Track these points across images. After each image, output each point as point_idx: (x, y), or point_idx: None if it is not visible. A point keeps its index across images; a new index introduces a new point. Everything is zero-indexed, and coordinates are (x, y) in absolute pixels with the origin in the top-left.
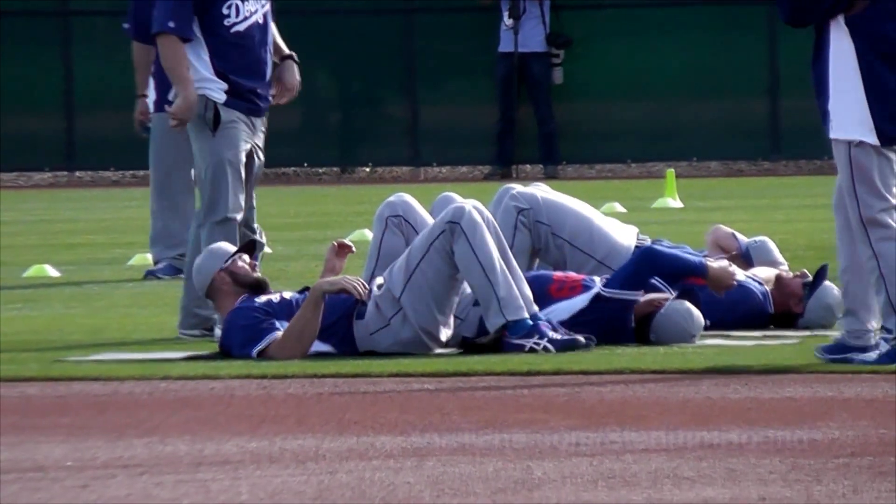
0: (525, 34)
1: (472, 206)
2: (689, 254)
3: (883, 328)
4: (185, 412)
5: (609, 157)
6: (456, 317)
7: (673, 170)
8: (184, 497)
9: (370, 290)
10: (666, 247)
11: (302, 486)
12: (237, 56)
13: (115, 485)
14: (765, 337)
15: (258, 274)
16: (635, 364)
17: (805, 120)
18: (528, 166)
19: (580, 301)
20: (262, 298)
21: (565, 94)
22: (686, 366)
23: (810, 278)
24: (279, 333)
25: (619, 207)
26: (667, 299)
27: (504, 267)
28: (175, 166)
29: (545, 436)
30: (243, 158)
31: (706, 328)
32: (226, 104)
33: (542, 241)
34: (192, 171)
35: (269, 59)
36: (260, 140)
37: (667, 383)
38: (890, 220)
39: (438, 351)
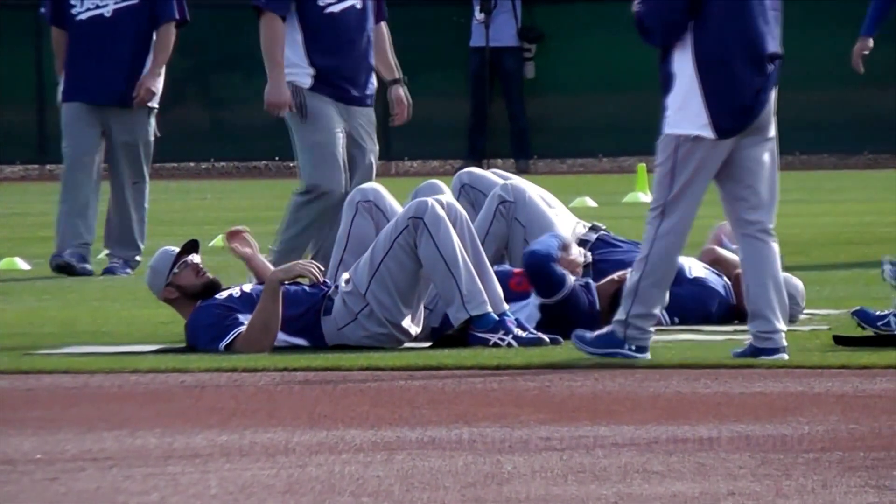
0: (496, 28)
1: (438, 200)
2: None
3: (624, 320)
4: (155, 405)
5: (580, 151)
6: (425, 307)
7: (644, 165)
8: (153, 490)
9: (337, 286)
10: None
11: (272, 480)
12: (329, 40)
13: (84, 478)
14: (734, 332)
15: (207, 276)
16: (606, 359)
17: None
18: (499, 161)
19: (532, 305)
20: (223, 295)
21: (537, 88)
22: (656, 361)
23: None
24: (244, 327)
25: (590, 202)
26: (626, 272)
27: (467, 262)
28: (78, 157)
29: (515, 430)
30: (338, 140)
31: (674, 324)
32: (312, 89)
33: (512, 238)
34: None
35: (369, 48)
36: (364, 131)
37: (637, 378)
38: (687, 215)
39: (409, 345)
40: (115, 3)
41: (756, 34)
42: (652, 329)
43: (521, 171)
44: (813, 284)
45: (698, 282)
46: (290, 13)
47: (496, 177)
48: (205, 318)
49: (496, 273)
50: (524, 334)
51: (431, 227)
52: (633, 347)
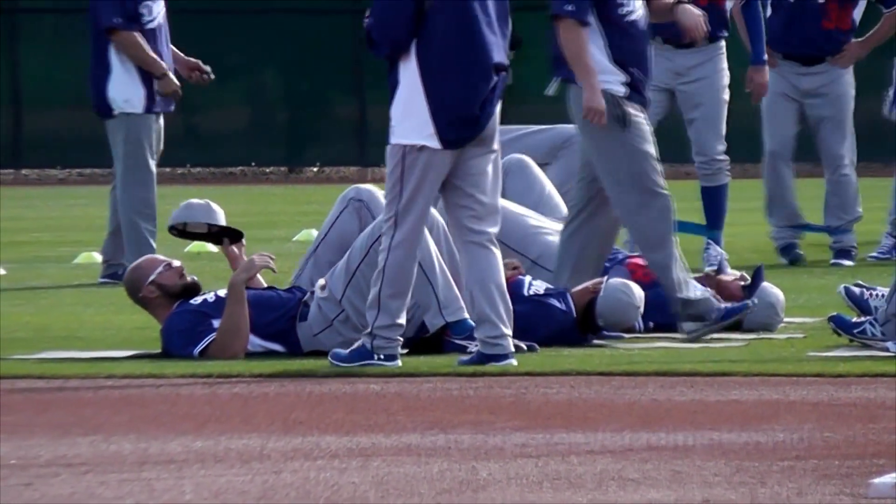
0: None
1: None
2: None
3: (370, 331)
4: (129, 411)
5: None
6: None
7: None
8: (128, 496)
9: (313, 291)
10: None
11: (247, 486)
12: (631, 46)
13: (58, 483)
14: (710, 339)
15: (189, 279)
16: (581, 366)
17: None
18: None
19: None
20: (197, 300)
21: (515, 94)
22: (632, 368)
23: (749, 281)
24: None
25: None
26: (601, 282)
27: (444, 268)
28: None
29: (491, 437)
30: (653, 150)
31: (651, 330)
32: (627, 97)
33: None
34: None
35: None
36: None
37: (613, 385)
38: (419, 226)
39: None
40: (161, 13)
41: (481, 45)
42: (399, 338)
43: None
44: (788, 292)
45: None
46: (592, 21)
47: None
48: (179, 323)
49: None
50: None
51: None
52: (382, 357)
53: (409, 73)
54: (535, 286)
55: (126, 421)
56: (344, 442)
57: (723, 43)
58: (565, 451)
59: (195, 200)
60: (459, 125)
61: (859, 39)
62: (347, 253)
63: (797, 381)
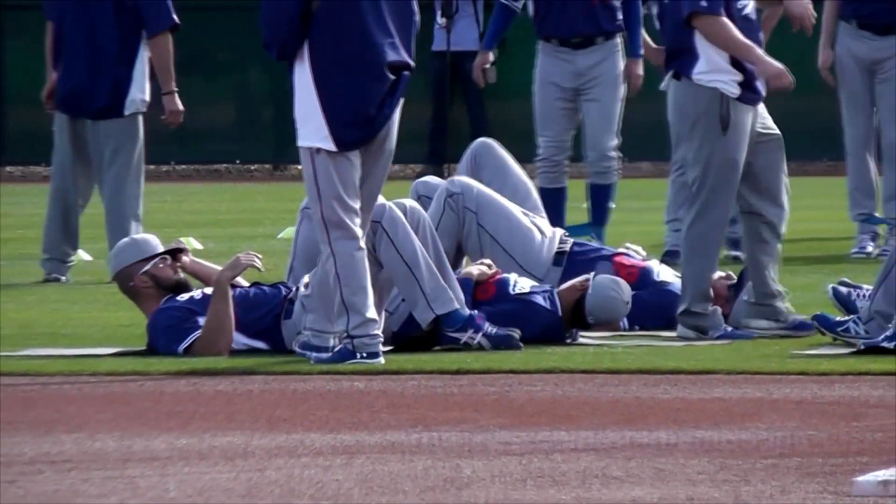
0: (458, 33)
1: (397, 202)
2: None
3: (346, 335)
4: (113, 408)
5: None
6: (385, 310)
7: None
8: (111, 493)
9: (297, 289)
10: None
11: (231, 484)
12: (748, 39)
13: (42, 480)
14: (696, 337)
15: (180, 275)
16: (565, 363)
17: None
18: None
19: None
20: (184, 297)
21: (498, 93)
22: (616, 366)
23: (735, 280)
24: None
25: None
26: (587, 279)
27: (429, 262)
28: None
29: (474, 434)
30: (741, 161)
31: (634, 331)
32: (739, 99)
33: (465, 227)
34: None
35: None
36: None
37: (596, 383)
38: (350, 223)
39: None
40: None
41: (372, 45)
42: (376, 332)
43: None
44: None
45: (663, 286)
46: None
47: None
48: (165, 319)
49: (463, 282)
50: (494, 330)
51: (389, 230)
52: (365, 354)
53: (304, 74)
54: (521, 284)
55: (110, 418)
56: (328, 439)
57: (619, 40)
58: (549, 449)
59: (121, 244)
60: (354, 126)
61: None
62: None
63: (781, 379)
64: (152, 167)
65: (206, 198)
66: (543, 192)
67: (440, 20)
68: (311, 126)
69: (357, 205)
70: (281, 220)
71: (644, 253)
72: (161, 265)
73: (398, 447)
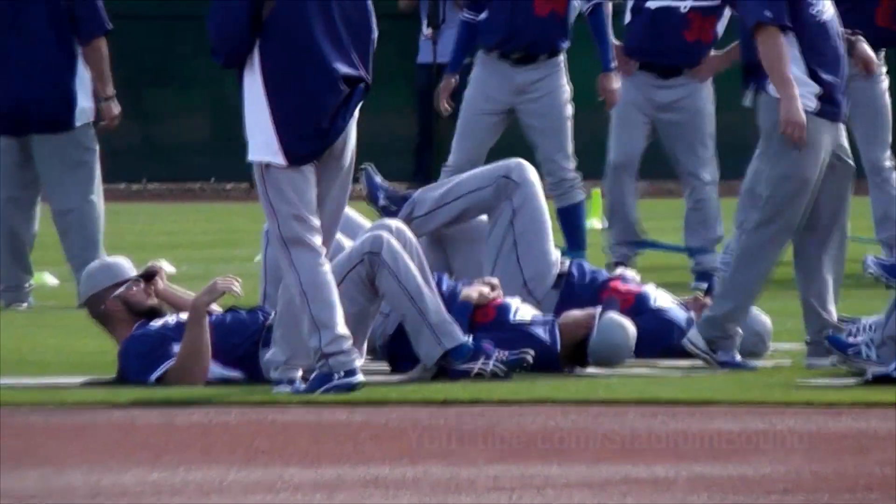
0: (445, 44)
1: (392, 229)
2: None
3: (321, 355)
4: (82, 441)
5: None
6: (381, 312)
7: (599, 189)
8: None
9: (275, 314)
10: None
11: None
12: (825, 48)
13: None
14: (693, 367)
15: (154, 300)
16: (557, 394)
17: (740, 137)
18: None
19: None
20: (157, 323)
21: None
22: (611, 396)
23: None
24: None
25: (595, 223)
26: (593, 317)
27: (433, 292)
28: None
29: (462, 469)
30: (812, 180)
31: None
32: (818, 113)
33: (497, 215)
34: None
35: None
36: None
37: (590, 414)
38: (309, 239)
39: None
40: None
41: (323, 56)
42: (350, 348)
43: None
44: (776, 316)
45: (660, 313)
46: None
47: None
48: (137, 346)
49: (460, 308)
50: (506, 356)
51: (390, 263)
52: (342, 373)
53: (254, 84)
54: (521, 313)
55: (78, 451)
56: (308, 473)
57: (562, 58)
58: (540, 484)
59: (92, 267)
60: (306, 139)
61: (719, 52)
62: None
63: (785, 410)
64: (122, 185)
65: (180, 218)
66: None
67: (426, 31)
68: (261, 139)
69: (316, 222)
70: (257, 242)
71: (638, 278)
72: (134, 289)
73: (382, 482)
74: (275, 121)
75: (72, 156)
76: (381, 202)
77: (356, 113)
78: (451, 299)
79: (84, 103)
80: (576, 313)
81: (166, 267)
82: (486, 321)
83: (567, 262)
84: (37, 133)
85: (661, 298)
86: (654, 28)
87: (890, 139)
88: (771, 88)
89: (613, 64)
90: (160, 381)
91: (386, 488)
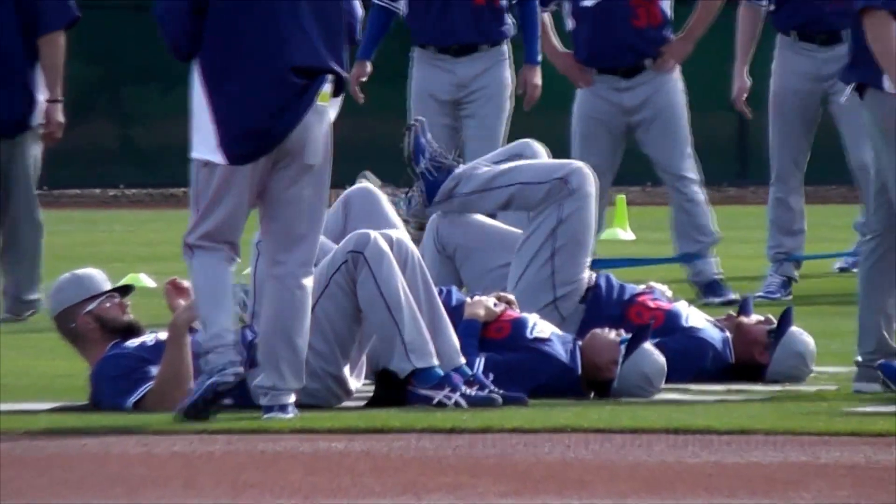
0: None
1: (384, 234)
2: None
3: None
4: (51, 473)
5: None
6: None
7: (624, 196)
8: None
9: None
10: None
11: None
12: None
13: None
14: (728, 392)
15: (130, 316)
16: (577, 421)
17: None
18: None
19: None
20: (135, 342)
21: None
22: (637, 424)
23: (775, 324)
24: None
25: (621, 234)
26: (615, 362)
27: (412, 306)
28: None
29: (472, 503)
30: None
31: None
32: None
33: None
34: None
35: None
36: None
37: (614, 444)
38: (221, 242)
39: (349, 404)
40: None
41: (276, 44)
42: (230, 346)
43: None
44: (819, 338)
45: (692, 332)
46: None
47: None
48: (111, 369)
49: (467, 326)
50: (473, 392)
51: (373, 263)
52: (215, 372)
53: (198, 78)
54: (539, 329)
55: (47, 484)
56: None
57: (505, 48)
58: None
59: (62, 280)
60: (246, 138)
61: (679, 35)
62: None
63: (829, 440)
64: (98, 191)
65: (161, 227)
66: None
67: None
68: (202, 135)
69: (240, 226)
70: (248, 253)
71: (670, 293)
72: (108, 304)
73: None
74: (214, 117)
75: (30, 159)
76: (422, 166)
77: (324, 106)
78: (459, 315)
79: (40, 101)
80: (601, 339)
81: (146, 281)
82: (500, 337)
83: (594, 276)
84: (6, 137)
85: (694, 316)
86: (600, 26)
87: None
88: (886, 82)
89: (539, 57)
90: (137, 406)
91: None
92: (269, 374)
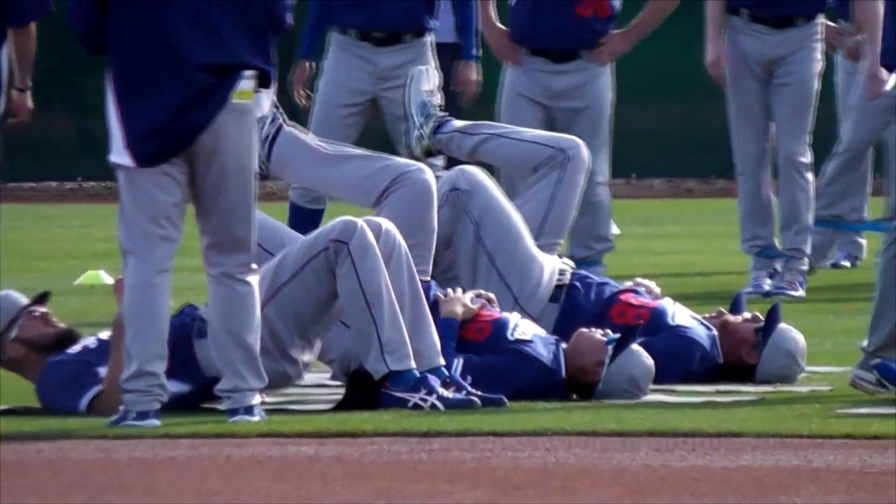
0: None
1: (371, 223)
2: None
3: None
4: (7, 480)
5: None
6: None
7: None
8: None
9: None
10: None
11: None
12: None
13: None
14: (716, 393)
15: (58, 325)
16: (559, 424)
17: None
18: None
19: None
20: (76, 348)
21: (480, 92)
22: (621, 427)
23: (762, 322)
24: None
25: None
26: (602, 364)
27: (394, 304)
28: None
29: None
30: None
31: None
32: None
33: (460, 233)
34: None
35: None
36: None
37: (597, 448)
38: (150, 250)
39: (319, 406)
40: None
41: (175, 40)
42: (155, 389)
43: None
44: (811, 336)
45: (679, 331)
46: None
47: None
48: (58, 376)
49: (445, 324)
50: (451, 394)
51: (356, 256)
52: (135, 414)
53: (108, 76)
54: (521, 330)
55: (2, 492)
56: None
57: (428, 38)
58: None
59: None
60: (151, 138)
61: (621, 31)
62: (276, 261)
63: (822, 443)
64: (54, 184)
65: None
66: (295, 209)
67: None
68: (113, 137)
69: (168, 230)
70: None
71: (658, 290)
72: (28, 323)
73: None
74: (121, 117)
75: None
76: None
77: (243, 104)
78: (435, 313)
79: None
80: (587, 340)
81: (104, 278)
82: (480, 338)
83: (568, 274)
84: None
85: (680, 314)
86: (542, 8)
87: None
88: None
89: (476, 52)
90: (91, 410)
91: None
92: (229, 377)
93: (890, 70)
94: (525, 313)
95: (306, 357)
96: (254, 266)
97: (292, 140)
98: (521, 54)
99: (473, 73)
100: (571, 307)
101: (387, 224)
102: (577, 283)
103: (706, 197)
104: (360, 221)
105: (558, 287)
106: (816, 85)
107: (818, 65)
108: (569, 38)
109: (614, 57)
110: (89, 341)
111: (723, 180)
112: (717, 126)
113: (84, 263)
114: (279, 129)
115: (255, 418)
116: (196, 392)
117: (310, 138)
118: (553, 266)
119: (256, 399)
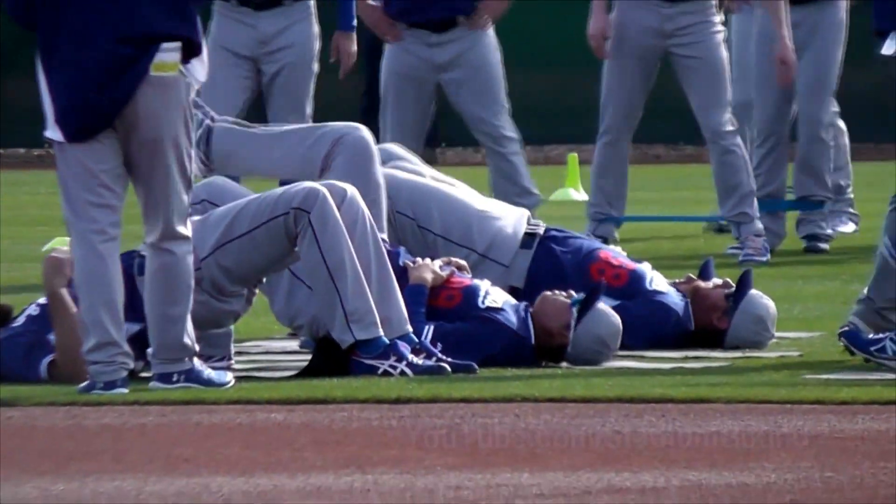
0: None
1: (334, 190)
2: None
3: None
4: None
5: None
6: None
7: (576, 154)
8: None
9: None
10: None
11: None
12: None
13: None
14: (686, 359)
15: None
16: (529, 391)
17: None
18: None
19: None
20: (20, 321)
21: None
22: (591, 393)
23: (733, 288)
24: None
25: (574, 194)
26: (568, 327)
27: (358, 272)
28: None
29: (419, 477)
30: None
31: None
32: None
33: (405, 234)
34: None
35: None
36: None
37: (567, 414)
38: (93, 221)
39: (289, 373)
40: None
41: (93, 12)
42: (120, 358)
43: (426, 161)
44: (780, 302)
45: (655, 296)
46: None
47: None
48: (10, 352)
49: (413, 291)
50: (421, 361)
51: (317, 226)
52: (102, 384)
53: (38, 52)
54: (492, 296)
55: None
56: (239, 484)
57: (312, 2)
58: (509, 495)
59: None
60: (75, 112)
61: None
62: (233, 212)
63: (792, 409)
64: (22, 150)
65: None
66: None
67: None
68: (46, 112)
69: (109, 200)
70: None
71: (624, 254)
72: None
73: (325, 493)
74: (50, 92)
75: None
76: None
77: (164, 77)
78: (404, 279)
79: None
80: (551, 303)
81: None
82: (450, 306)
83: (543, 225)
84: None
85: (658, 280)
86: None
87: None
88: None
89: (353, 22)
90: (51, 377)
91: (330, 500)
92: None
93: (883, 36)
94: (495, 263)
95: (247, 292)
96: (181, 234)
97: (226, 133)
98: (400, 30)
99: (352, 44)
100: (546, 254)
101: (351, 190)
102: (554, 232)
103: (674, 163)
104: (323, 189)
105: (530, 235)
106: (724, 53)
107: (720, 35)
108: (443, 5)
109: (494, 19)
110: (30, 308)
111: (691, 146)
112: (683, 93)
113: (52, 230)
114: (209, 129)
115: (173, 387)
116: (146, 329)
117: (241, 127)
118: (519, 215)
119: (186, 366)
